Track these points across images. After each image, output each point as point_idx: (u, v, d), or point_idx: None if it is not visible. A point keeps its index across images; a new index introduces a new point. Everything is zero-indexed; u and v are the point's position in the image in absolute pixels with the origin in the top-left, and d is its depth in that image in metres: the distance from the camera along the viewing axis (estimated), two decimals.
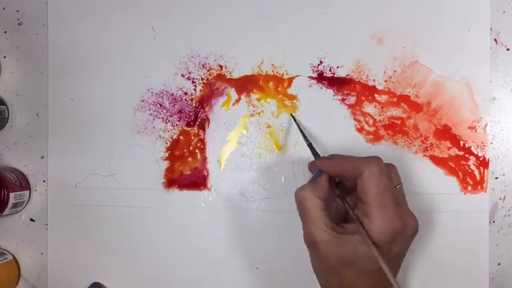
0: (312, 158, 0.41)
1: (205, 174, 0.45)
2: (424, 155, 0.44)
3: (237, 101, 0.45)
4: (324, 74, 0.44)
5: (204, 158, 0.45)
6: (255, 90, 0.44)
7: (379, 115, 0.44)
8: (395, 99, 0.44)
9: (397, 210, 0.34)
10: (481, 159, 0.43)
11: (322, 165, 0.37)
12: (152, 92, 0.45)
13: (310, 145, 0.41)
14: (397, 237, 0.34)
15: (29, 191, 0.45)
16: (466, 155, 0.44)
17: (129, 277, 0.45)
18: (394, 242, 0.34)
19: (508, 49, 0.44)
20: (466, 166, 0.44)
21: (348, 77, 0.44)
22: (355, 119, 0.44)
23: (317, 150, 0.41)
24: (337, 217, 0.39)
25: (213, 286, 0.45)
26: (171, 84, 0.45)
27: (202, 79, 0.45)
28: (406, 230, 0.35)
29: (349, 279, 0.35)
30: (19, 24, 0.45)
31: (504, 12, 0.44)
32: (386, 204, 0.34)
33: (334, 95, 0.44)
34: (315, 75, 0.44)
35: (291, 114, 0.44)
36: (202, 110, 0.45)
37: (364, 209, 0.35)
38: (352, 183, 0.37)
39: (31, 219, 0.46)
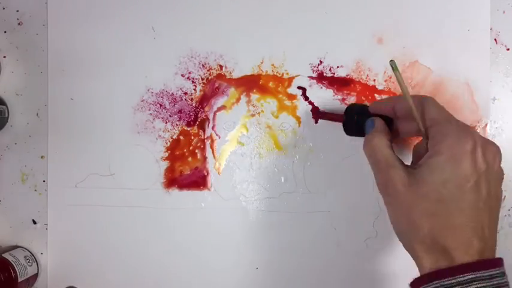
0: None
1: (205, 174, 0.45)
2: None
3: (237, 101, 0.45)
4: (324, 74, 0.44)
5: (204, 158, 0.45)
6: (255, 90, 0.44)
7: None
8: None
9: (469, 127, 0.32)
10: None
11: (374, 107, 0.38)
12: (152, 92, 0.45)
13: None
14: (477, 159, 0.30)
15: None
16: None
17: (129, 277, 0.45)
18: (478, 177, 0.30)
19: (508, 49, 0.44)
20: None
21: (348, 77, 0.44)
22: None
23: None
24: None
25: (213, 286, 0.45)
26: (171, 84, 0.45)
27: (202, 79, 0.45)
28: (488, 150, 0.31)
29: (445, 214, 0.30)
30: (19, 24, 0.45)
31: (504, 12, 0.44)
32: (456, 120, 0.32)
33: (334, 95, 0.44)
34: (315, 75, 0.44)
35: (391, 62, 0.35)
36: (202, 110, 0.45)
37: (434, 135, 0.32)
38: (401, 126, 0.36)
39: (33, 221, 0.46)
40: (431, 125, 0.33)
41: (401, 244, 0.44)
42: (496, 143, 0.44)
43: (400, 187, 0.32)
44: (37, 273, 0.45)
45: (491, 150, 0.32)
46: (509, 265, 0.44)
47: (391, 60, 0.33)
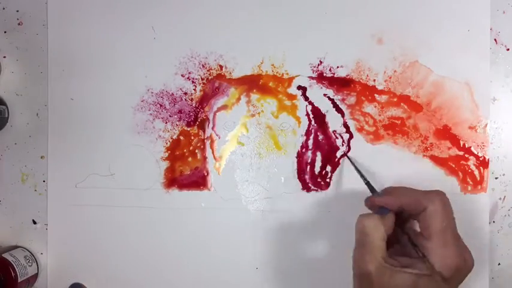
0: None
1: (205, 174, 0.45)
2: (424, 155, 0.44)
3: (237, 101, 0.45)
4: (324, 74, 0.44)
5: (204, 158, 0.45)
6: (255, 90, 0.44)
7: (379, 115, 0.44)
8: (395, 99, 0.44)
9: (458, 246, 0.35)
10: (481, 159, 0.44)
11: (381, 202, 0.37)
12: (152, 92, 0.45)
13: (368, 183, 0.40)
14: (456, 274, 0.34)
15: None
16: (466, 155, 0.44)
17: (129, 277, 0.45)
18: (452, 279, 0.34)
19: (508, 49, 0.44)
20: (466, 166, 0.44)
21: (348, 77, 0.44)
22: (355, 119, 0.44)
23: (373, 185, 0.40)
24: (391, 249, 0.38)
25: (213, 286, 0.45)
26: (171, 84, 0.45)
27: (202, 79, 0.45)
28: (465, 267, 0.35)
29: None
30: (19, 24, 0.45)
31: (504, 12, 0.44)
32: (449, 240, 0.34)
33: (334, 95, 0.44)
34: (315, 75, 0.44)
35: (347, 156, 0.43)
36: (202, 110, 0.45)
37: (425, 244, 0.34)
38: (411, 216, 0.37)
39: (33, 221, 0.46)
40: (428, 238, 0.35)
41: None
42: (495, 142, 0.44)
43: (372, 275, 0.34)
44: (37, 273, 0.45)
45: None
46: (508, 265, 0.44)
47: None
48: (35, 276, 0.44)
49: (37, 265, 0.45)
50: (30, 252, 0.45)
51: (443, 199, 0.35)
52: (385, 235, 0.35)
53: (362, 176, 0.41)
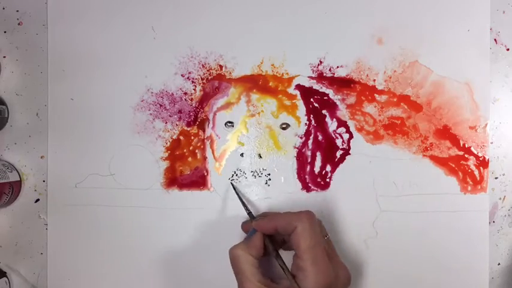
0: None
1: (205, 174, 0.45)
2: (424, 155, 0.44)
3: (237, 101, 0.45)
4: (324, 74, 0.44)
5: (204, 158, 0.45)
6: (255, 90, 0.44)
7: (379, 115, 0.44)
8: (395, 99, 0.44)
9: (329, 262, 0.36)
10: (480, 159, 0.44)
11: (257, 226, 0.39)
12: (152, 92, 0.45)
13: (249, 213, 0.41)
14: None
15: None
16: (466, 155, 0.44)
17: (128, 277, 0.45)
18: None
19: (508, 49, 0.44)
20: (466, 166, 0.44)
21: (347, 77, 0.44)
22: (354, 119, 0.44)
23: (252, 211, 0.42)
24: (272, 273, 0.39)
25: (213, 286, 0.45)
26: (171, 84, 0.45)
27: (202, 79, 0.45)
28: (338, 282, 0.37)
29: None
30: (19, 24, 0.45)
31: (504, 12, 0.44)
32: (318, 257, 0.35)
33: (334, 95, 0.44)
34: (315, 75, 0.44)
35: (231, 183, 0.44)
36: (202, 110, 0.45)
37: (298, 263, 0.36)
38: (286, 238, 0.38)
39: (33, 221, 0.46)
40: (299, 257, 0.36)
41: (401, 244, 0.44)
42: (495, 142, 0.44)
43: None
44: (20, 182, 0.45)
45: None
46: (508, 265, 0.44)
47: None
48: (18, 185, 0.44)
49: (19, 175, 0.44)
50: (11, 164, 0.45)
51: (310, 218, 0.37)
52: (254, 260, 0.37)
53: (244, 205, 0.42)
